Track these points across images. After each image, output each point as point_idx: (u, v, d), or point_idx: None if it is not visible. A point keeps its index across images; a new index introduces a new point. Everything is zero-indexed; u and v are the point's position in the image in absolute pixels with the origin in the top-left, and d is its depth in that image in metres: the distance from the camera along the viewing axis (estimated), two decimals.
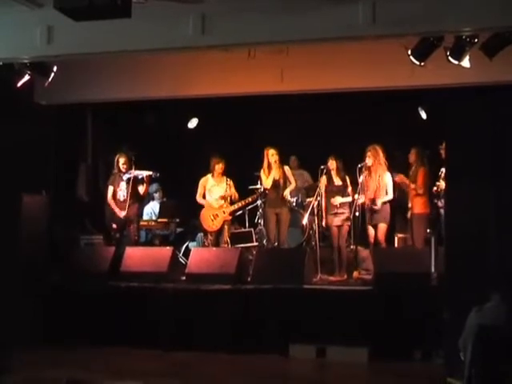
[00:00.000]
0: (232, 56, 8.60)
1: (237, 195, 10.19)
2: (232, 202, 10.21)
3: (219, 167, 10.03)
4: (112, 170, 10.14)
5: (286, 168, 9.90)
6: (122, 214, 9.86)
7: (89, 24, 6.21)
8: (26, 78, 8.56)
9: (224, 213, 10.12)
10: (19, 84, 8.60)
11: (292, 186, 9.85)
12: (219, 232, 10.15)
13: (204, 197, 10.15)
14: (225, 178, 10.13)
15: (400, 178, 9.52)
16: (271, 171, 9.72)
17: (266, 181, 9.74)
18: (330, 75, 9.15)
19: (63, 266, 9.27)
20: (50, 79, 8.69)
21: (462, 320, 5.41)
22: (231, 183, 10.13)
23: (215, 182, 10.13)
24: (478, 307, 5.35)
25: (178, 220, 11.11)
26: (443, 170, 8.81)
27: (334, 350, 7.92)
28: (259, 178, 10.22)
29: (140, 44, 7.31)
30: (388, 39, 7.40)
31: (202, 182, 10.16)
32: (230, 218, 10.31)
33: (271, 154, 9.67)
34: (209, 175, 10.15)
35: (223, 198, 10.07)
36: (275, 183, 9.72)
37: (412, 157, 9.56)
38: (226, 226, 10.18)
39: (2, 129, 8.53)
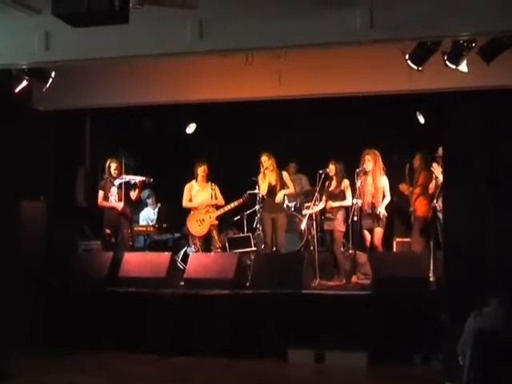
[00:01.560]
0: (230, 61, 8.59)
1: (222, 200, 10.22)
2: (218, 207, 10.24)
3: (201, 170, 10.10)
4: (103, 175, 10.17)
5: (284, 173, 9.94)
6: (120, 205, 9.88)
7: (87, 30, 6.20)
8: (24, 83, 8.58)
9: (210, 217, 10.15)
10: (17, 90, 8.62)
11: (289, 191, 9.87)
12: (207, 237, 10.18)
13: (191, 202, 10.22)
14: (209, 183, 10.19)
15: (402, 187, 9.57)
16: (265, 177, 9.76)
17: (262, 187, 9.79)
18: (327, 80, 9.17)
19: (62, 271, 9.26)
20: (48, 85, 8.70)
21: (461, 324, 5.40)
22: (216, 188, 10.18)
23: (200, 188, 10.19)
24: (477, 312, 5.34)
25: (175, 225, 11.11)
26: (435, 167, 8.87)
27: (333, 354, 7.92)
28: (257, 183, 10.26)
29: (138, 50, 7.32)
30: (386, 44, 7.41)
31: (187, 187, 10.23)
32: (217, 222, 10.32)
33: (264, 161, 9.74)
34: (193, 181, 10.22)
35: (209, 202, 10.12)
36: (270, 189, 9.75)
37: (416, 162, 9.58)
38: (214, 231, 10.23)
39: (1, 134, 8.53)
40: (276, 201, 9.74)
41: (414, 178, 9.52)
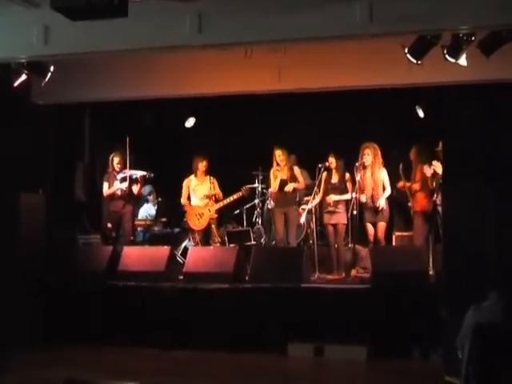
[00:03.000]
0: (229, 55, 8.57)
1: (221, 193, 10.22)
2: (217, 201, 10.23)
3: (202, 165, 10.14)
4: (107, 169, 10.18)
5: (295, 168, 9.91)
6: (124, 185, 9.89)
7: (85, 23, 6.18)
8: (23, 77, 8.54)
9: (209, 211, 10.17)
10: (16, 84, 8.59)
11: (298, 185, 9.82)
12: (206, 231, 10.19)
13: (189, 198, 10.22)
14: (208, 176, 10.20)
15: (400, 185, 9.58)
16: (278, 172, 9.73)
17: (274, 181, 9.76)
18: (327, 74, 9.13)
19: (61, 266, 9.25)
20: (47, 79, 8.67)
21: (460, 318, 5.41)
22: (215, 181, 10.19)
23: (199, 182, 10.22)
24: (476, 306, 5.35)
25: (175, 220, 11.12)
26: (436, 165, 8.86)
27: (333, 348, 7.94)
28: (257, 177, 10.26)
29: (137, 43, 7.29)
30: (385, 38, 7.39)
31: (185, 182, 10.25)
32: (216, 216, 10.34)
33: (278, 155, 9.73)
34: (192, 176, 10.23)
35: (208, 196, 10.12)
36: (282, 183, 9.72)
37: (412, 155, 9.58)
38: (213, 225, 10.24)
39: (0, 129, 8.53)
40: (285, 189, 9.69)
41: (412, 173, 9.52)
